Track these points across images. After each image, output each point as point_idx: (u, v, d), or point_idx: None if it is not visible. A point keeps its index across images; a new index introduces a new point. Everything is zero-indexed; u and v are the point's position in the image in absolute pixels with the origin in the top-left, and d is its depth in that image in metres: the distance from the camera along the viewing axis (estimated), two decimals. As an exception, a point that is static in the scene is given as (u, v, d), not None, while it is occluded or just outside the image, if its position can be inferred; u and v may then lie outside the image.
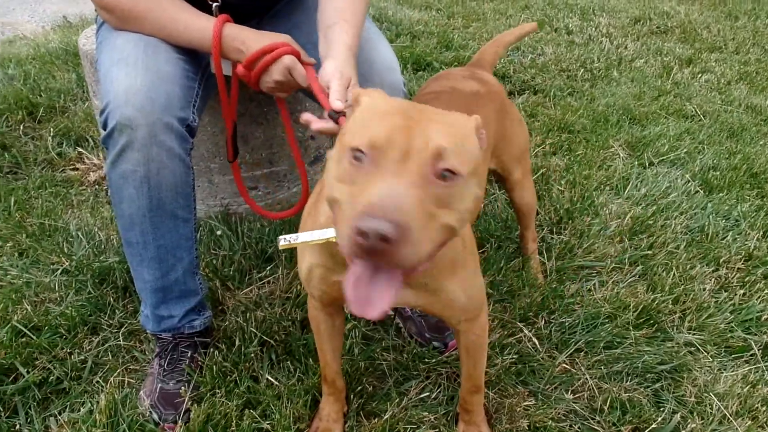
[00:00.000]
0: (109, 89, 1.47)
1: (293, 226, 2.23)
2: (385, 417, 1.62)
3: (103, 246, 2.17)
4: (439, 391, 1.75)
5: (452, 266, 1.28)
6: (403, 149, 0.91)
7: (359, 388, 1.71)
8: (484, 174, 1.01)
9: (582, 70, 3.76)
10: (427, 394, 1.73)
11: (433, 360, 1.81)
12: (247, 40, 1.50)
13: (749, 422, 1.69)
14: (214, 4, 1.58)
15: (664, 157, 2.89)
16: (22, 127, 2.93)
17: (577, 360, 1.85)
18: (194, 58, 1.62)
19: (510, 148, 1.83)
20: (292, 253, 2.15)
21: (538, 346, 1.87)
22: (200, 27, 1.53)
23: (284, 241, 1.26)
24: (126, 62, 1.49)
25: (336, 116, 1.34)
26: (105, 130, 1.47)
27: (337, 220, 0.96)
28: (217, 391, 1.65)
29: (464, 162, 0.94)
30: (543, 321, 1.95)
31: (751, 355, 1.91)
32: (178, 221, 1.59)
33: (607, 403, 1.72)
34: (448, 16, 4.55)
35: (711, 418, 1.70)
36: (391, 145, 0.91)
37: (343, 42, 1.49)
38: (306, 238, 1.23)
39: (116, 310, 1.91)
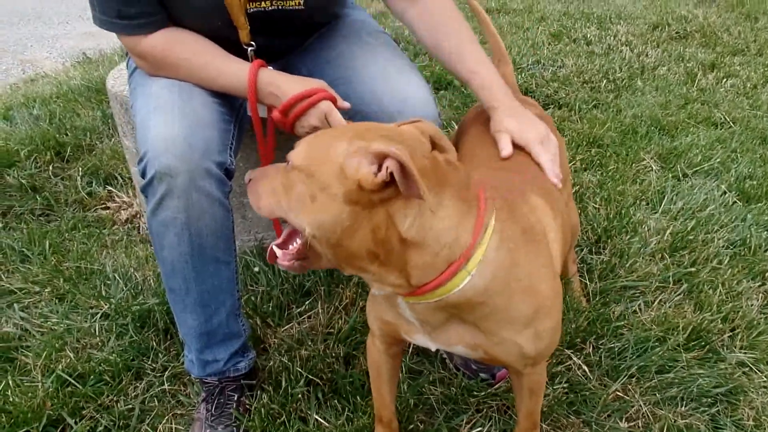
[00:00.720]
0: (147, 137, 1.46)
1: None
2: (440, 456, 1.59)
3: (140, 287, 2.16)
4: (491, 425, 1.71)
5: (510, 319, 1.21)
6: None
7: (410, 426, 1.67)
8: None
9: (605, 81, 3.72)
10: (479, 429, 1.69)
11: (482, 393, 1.77)
12: (282, 85, 1.49)
13: (812, 445, 1.64)
14: (249, 49, 1.57)
15: (698, 168, 2.84)
16: (51, 168, 2.94)
17: (630, 387, 1.80)
18: (228, 100, 1.61)
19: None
20: (329, 286, 2.13)
21: (589, 373, 1.83)
22: (234, 72, 1.52)
23: None
24: (163, 110, 1.49)
25: None
26: (144, 178, 1.46)
27: None
28: (268, 435, 1.63)
29: (303, 158, 1.09)
30: (591, 347, 1.91)
31: (807, 373, 1.86)
32: (219, 265, 1.57)
33: (664, 431, 1.68)
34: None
35: (773, 442, 1.66)
36: None
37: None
38: None
39: (159, 354, 1.90)
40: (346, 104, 1.55)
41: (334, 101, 1.50)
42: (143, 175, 1.46)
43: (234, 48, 1.57)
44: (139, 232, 2.55)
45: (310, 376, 1.79)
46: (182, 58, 1.54)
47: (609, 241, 2.35)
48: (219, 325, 1.63)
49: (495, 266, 1.14)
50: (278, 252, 1.17)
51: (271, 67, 1.56)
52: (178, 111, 1.48)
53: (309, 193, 1.06)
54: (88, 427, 1.67)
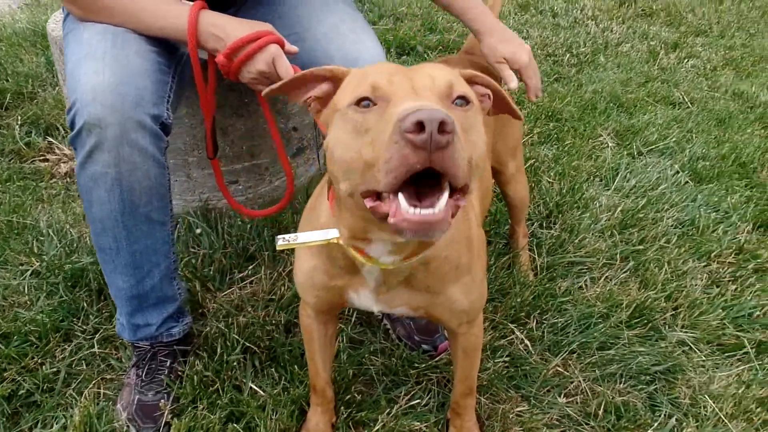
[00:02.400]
0: (76, 86, 1.38)
1: (278, 223, 2.15)
2: (376, 428, 1.56)
3: (75, 245, 2.07)
4: (430, 397, 1.69)
5: (456, 270, 1.22)
6: (409, 84, 0.89)
7: (347, 396, 1.64)
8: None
9: (568, 55, 3.68)
10: (418, 401, 1.67)
11: (423, 365, 1.75)
12: (227, 27, 1.41)
13: (744, 424, 1.66)
14: None
15: (653, 147, 2.84)
16: (-13, 115, 2.79)
17: (570, 362, 1.80)
18: (167, 49, 1.52)
19: (505, 141, 1.77)
20: (274, 251, 2.07)
21: (530, 348, 1.82)
22: (174, 14, 1.43)
23: (282, 240, 1.19)
24: (93, 56, 1.39)
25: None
26: (72, 129, 1.38)
27: (362, 177, 0.88)
28: (199, 403, 1.58)
29: (470, 92, 0.94)
30: (535, 321, 1.90)
31: (744, 353, 1.88)
32: (153, 225, 1.50)
33: (602, 407, 1.68)
34: (431, -3, 4.44)
35: (706, 421, 1.67)
36: (395, 85, 0.90)
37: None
38: (306, 238, 1.16)
39: (90, 315, 1.82)
40: (294, 48, 1.49)
41: (282, 45, 1.44)
42: (72, 125, 1.39)
43: None
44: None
45: (247, 344, 1.73)
46: (116, 1, 1.44)
47: (560, 216, 2.33)
48: (152, 288, 1.56)
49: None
50: (431, 210, 0.84)
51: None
52: (110, 58, 1.39)
53: (480, 129, 0.97)
54: (9, 390, 1.59)
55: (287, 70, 1.42)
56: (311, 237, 1.15)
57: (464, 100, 0.92)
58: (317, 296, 1.31)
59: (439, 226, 0.84)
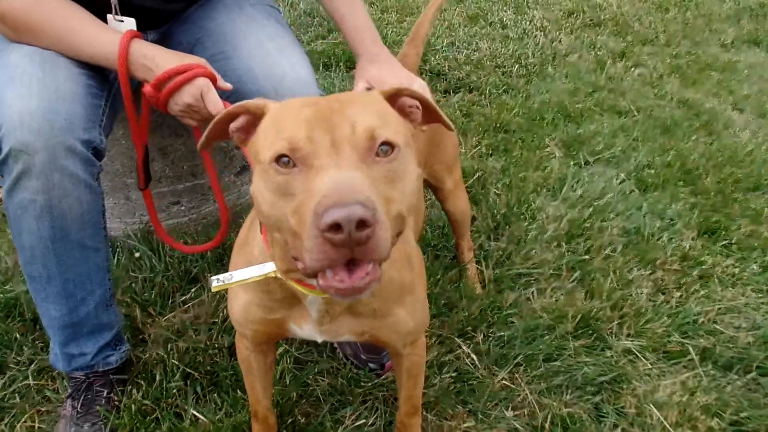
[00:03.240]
0: (1, 111, 1.33)
1: (222, 243, 2.11)
2: (319, 451, 1.54)
3: (10, 272, 2.00)
4: (376, 417, 1.67)
5: (401, 291, 1.21)
6: (329, 139, 0.86)
7: (291, 420, 1.61)
8: (415, 153, 0.98)
9: (517, 66, 3.72)
10: (363, 421, 1.65)
11: (369, 383, 1.73)
12: (157, 57, 1.38)
13: (689, 432, 1.68)
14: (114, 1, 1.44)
15: (600, 156, 2.88)
16: None
17: (517, 375, 1.80)
18: (99, 72, 1.49)
19: (441, 158, 1.77)
20: (218, 272, 2.03)
21: (477, 362, 1.82)
22: (105, 41, 1.40)
23: (217, 282, 1.15)
24: (20, 80, 1.35)
25: None
26: None
27: (290, 240, 0.87)
28: (136, 434, 1.53)
29: (395, 132, 0.91)
30: (482, 335, 1.89)
31: (689, 360, 1.90)
32: (87, 251, 1.46)
33: (548, 420, 1.68)
34: (381, 10, 4.45)
35: (652, 430, 1.68)
36: (314, 139, 0.86)
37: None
38: (241, 276, 1.12)
39: (24, 346, 1.76)
40: (228, 85, 1.46)
41: (213, 80, 1.41)
42: None
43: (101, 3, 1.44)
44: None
45: (188, 370, 1.70)
46: (46, 23, 1.40)
47: (507, 227, 2.34)
48: (86, 316, 1.52)
49: None
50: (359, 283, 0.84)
51: (144, 39, 1.45)
52: (37, 83, 1.35)
53: (410, 169, 0.93)
54: (-65, 428, 1.53)
55: (215, 105, 1.38)
56: (247, 274, 1.11)
57: (389, 145, 0.88)
58: (255, 330, 1.28)
59: (367, 288, 0.85)
